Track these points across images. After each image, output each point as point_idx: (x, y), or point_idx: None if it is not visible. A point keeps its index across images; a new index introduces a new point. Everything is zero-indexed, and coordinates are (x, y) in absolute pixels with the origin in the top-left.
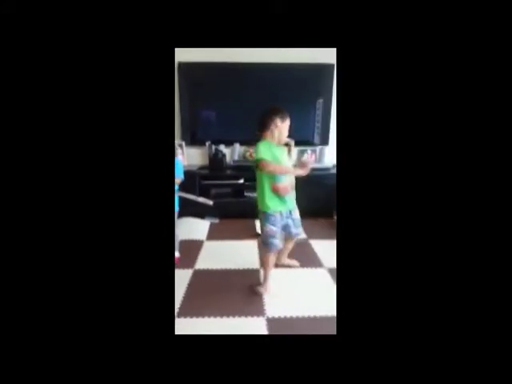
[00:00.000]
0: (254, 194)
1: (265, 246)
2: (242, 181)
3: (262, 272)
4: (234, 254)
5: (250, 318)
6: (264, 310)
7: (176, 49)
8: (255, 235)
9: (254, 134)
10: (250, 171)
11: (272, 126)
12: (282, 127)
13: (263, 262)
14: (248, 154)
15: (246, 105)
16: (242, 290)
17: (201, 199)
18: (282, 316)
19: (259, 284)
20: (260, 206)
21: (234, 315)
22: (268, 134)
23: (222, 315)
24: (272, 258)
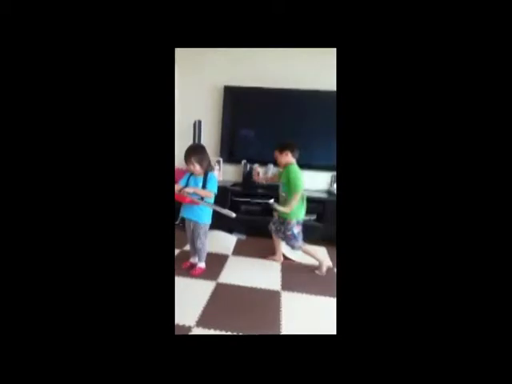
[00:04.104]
0: None
1: None
2: (272, 200)
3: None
4: (257, 272)
5: None
6: (281, 330)
7: (221, 73)
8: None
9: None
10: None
11: None
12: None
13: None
14: None
15: (283, 128)
16: (261, 309)
17: (225, 211)
18: None
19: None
20: None
21: (250, 332)
22: None
23: (238, 330)
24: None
